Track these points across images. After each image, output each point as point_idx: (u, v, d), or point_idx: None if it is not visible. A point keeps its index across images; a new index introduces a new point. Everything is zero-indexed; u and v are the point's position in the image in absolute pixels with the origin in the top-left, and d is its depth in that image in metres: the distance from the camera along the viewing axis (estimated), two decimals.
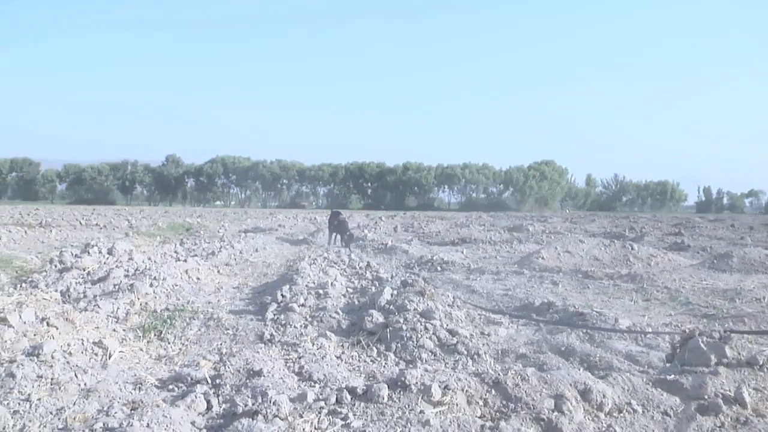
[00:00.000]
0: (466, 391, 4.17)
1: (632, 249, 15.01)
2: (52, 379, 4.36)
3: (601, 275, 11.69)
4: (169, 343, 6.36)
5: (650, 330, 6.73)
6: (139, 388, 4.70)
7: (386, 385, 4.14)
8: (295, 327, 6.90)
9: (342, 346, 6.32)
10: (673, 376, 4.80)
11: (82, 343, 5.36)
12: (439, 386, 4.11)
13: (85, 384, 4.50)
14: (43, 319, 5.56)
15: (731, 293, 9.41)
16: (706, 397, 4.43)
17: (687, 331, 5.60)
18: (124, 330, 6.52)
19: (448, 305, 7.92)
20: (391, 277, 10.34)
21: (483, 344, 6.24)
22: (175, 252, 14.26)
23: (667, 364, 5.39)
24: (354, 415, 3.88)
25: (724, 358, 5.13)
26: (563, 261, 14.15)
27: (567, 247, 15.25)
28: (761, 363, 4.97)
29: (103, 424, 3.59)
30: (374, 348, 6.21)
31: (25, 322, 5.39)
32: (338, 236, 19.02)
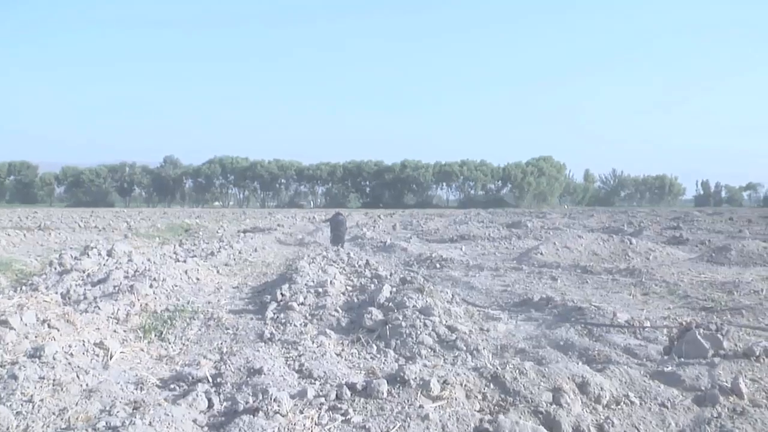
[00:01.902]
0: (465, 385, 4.20)
1: (631, 244, 15.05)
2: (54, 380, 4.38)
3: (599, 270, 11.72)
4: (169, 343, 6.39)
5: (648, 323, 6.75)
6: (141, 387, 4.73)
7: (386, 381, 4.17)
8: (294, 325, 6.93)
9: (342, 343, 6.35)
10: (670, 368, 4.84)
11: (83, 344, 5.39)
12: (438, 381, 4.14)
13: (86, 384, 4.53)
14: (44, 321, 5.59)
15: (729, 286, 9.44)
16: (703, 388, 4.46)
17: (684, 323, 5.64)
18: (124, 331, 6.55)
19: (447, 302, 7.95)
20: (390, 274, 10.36)
21: (482, 340, 6.27)
22: (175, 253, 14.28)
23: (665, 357, 5.43)
24: (354, 410, 3.91)
25: (721, 350, 5.17)
26: (562, 256, 14.18)
27: (566, 242, 15.28)
28: (758, 354, 5.01)
29: (106, 424, 3.61)
30: (374, 345, 6.24)
31: (26, 324, 5.42)
32: (333, 234, 19.18)
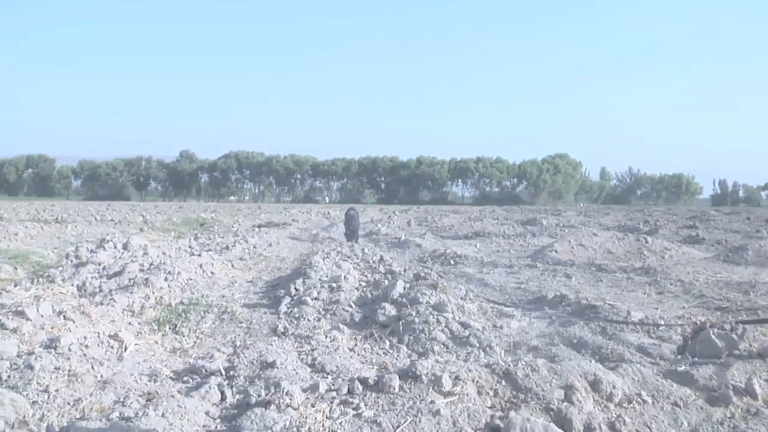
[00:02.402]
0: (477, 381, 4.21)
1: (646, 242, 14.97)
2: (69, 370, 4.43)
3: (614, 268, 11.67)
4: (183, 336, 6.43)
5: (662, 322, 6.72)
6: (155, 379, 4.77)
7: (397, 376, 4.18)
8: (308, 320, 6.95)
9: (355, 338, 6.37)
10: (684, 367, 4.82)
11: (99, 336, 5.44)
12: (450, 377, 4.15)
13: (101, 376, 4.57)
14: (60, 313, 5.64)
15: (746, 286, 9.37)
16: (716, 388, 4.44)
17: (698, 323, 5.62)
18: (139, 323, 6.59)
19: (461, 298, 7.95)
20: (404, 270, 10.36)
21: (495, 337, 6.27)
22: (190, 247, 14.35)
23: (679, 356, 5.40)
24: (365, 404, 3.93)
25: (736, 350, 5.15)
26: (577, 254, 14.13)
27: (581, 240, 15.22)
28: None
29: (119, 414, 3.65)
30: (387, 340, 6.25)
31: (42, 316, 5.48)
32: (345, 232, 19.25)
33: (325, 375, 4.87)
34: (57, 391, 4.09)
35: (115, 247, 12.55)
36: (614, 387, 4.25)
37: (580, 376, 4.33)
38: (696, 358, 5.12)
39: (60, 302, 5.90)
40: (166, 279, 8.91)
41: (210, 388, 4.29)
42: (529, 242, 18.36)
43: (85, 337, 5.25)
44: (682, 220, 30.66)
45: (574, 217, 36.24)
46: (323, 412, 3.81)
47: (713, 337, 5.22)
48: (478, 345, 5.93)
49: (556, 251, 14.27)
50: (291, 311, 7.39)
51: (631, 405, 4.17)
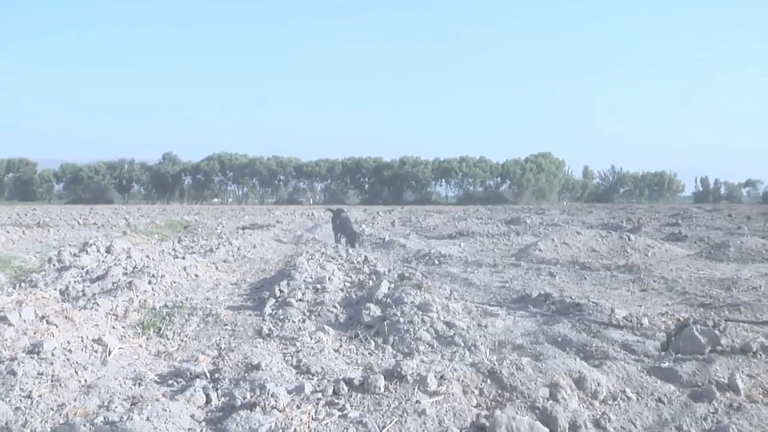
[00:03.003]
0: (462, 380, 4.22)
1: (629, 240, 15.06)
2: (52, 376, 4.40)
3: (598, 266, 11.73)
4: (168, 339, 6.39)
5: (646, 320, 6.76)
6: (139, 383, 4.75)
7: (383, 376, 4.19)
8: (293, 321, 6.94)
9: (340, 339, 6.36)
10: (667, 364, 4.86)
11: (82, 341, 5.40)
12: (435, 376, 4.16)
13: (85, 380, 4.55)
14: (42, 318, 5.60)
15: (728, 282, 9.45)
16: (700, 384, 4.48)
17: (681, 319, 5.66)
18: (123, 327, 6.55)
19: (446, 298, 7.96)
20: (389, 270, 10.37)
21: (480, 336, 6.28)
22: (173, 249, 14.28)
23: (662, 353, 5.44)
24: (351, 405, 3.93)
25: (718, 346, 5.19)
26: (560, 253, 14.20)
27: (564, 238, 15.29)
28: (755, 350, 5.03)
29: (104, 419, 3.63)
30: (372, 341, 6.25)
31: (25, 321, 5.44)
32: (342, 236, 17.84)
33: (311, 376, 4.86)
34: (40, 396, 4.06)
35: (98, 250, 12.47)
36: (599, 384, 4.27)
37: (565, 374, 4.35)
38: (679, 355, 5.16)
39: (43, 307, 5.87)
40: (149, 282, 8.86)
41: (195, 391, 4.27)
42: (513, 241, 18.41)
43: (68, 342, 5.21)
44: (665, 218, 30.88)
45: (558, 215, 36.42)
46: (309, 413, 3.81)
47: (696, 333, 5.26)
48: (463, 344, 5.93)
49: (539, 250, 14.32)
50: (276, 313, 7.37)
51: (616, 402, 4.20)
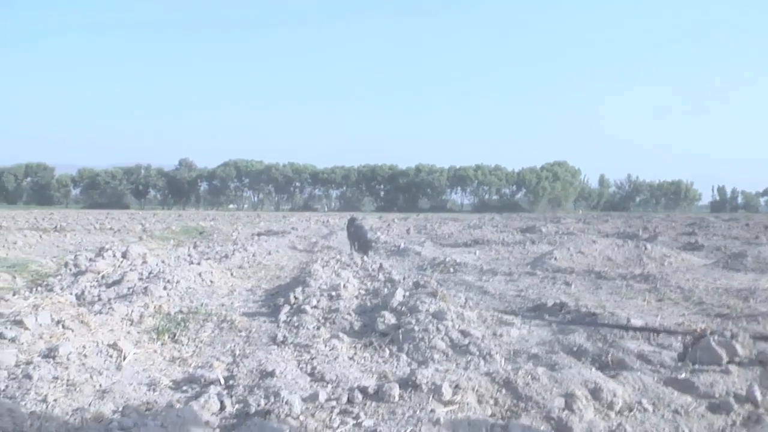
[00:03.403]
0: (477, 390, 4.20)
1: (645, 249, 14.97)
2: (67, 380, 4.41)
3: (614, 275, 11.66)
4: (182, 345, 6.40)
5: (662, 329, 6.70)
6: (154, 389, 4.75)
7: (397, 385, 4.17)
8: (307, 328, 6.93)
9: (354, 347, 6.35)
10: (684, 375, 4.81)
11: (97, 345, 5.42)
12: (450, 386, 4.13)
13: (100, 385, 4.56)
14: (58, 322, 5.62)
15: (745, 293, 9.37)
16: (717, 395, 4.44)
17: (698, 330, 5.61)
18: (138, 332, 6.57)
19: (460, 306, 7.94)
20: (404, 278, 10.35)
21: (495, 345, 6.24)
22: (189, 255, 14.35)
23: (679, 363, 5.39)
24: (365, 414, 3.92)
25: (736, 357, 5.14)
26: (576, 261, 14.13)
27: (580, 247, 15.23)
28: None
29: (118, 424, 3.63)
30: (386, 349, 6.23)
31: (41, 325, 5.46)
32: (356, 243, 17.86)
33: (325, 384, 4.85)
34: (55, 401, 4.07)
35: (114, 255, 12.54)
36: (615, 395, 4.23)
37: (581, 384, 4.31)
38: (696, 366, 5.11)
39: (59, 311, 5.88)
40: (165, 288, 8.89)
41: (209, 397, 4.27)
42: (529, 250, 18.35)
43: (83, 347, 5.23)
44: (681, 227, 30.68)
45: (573, 224, 36.26)
46: (323, 421, 3.80)
47: (713, 344, 5.21)
48: (477, 353, 5.90)
49: (555, 258, 14.26)
50: (290, 320, 7.36)
51: (632, 413, 4.16)
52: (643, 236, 22.94)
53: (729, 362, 5.07)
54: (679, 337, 6.28)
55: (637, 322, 6.97)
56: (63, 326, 5.58)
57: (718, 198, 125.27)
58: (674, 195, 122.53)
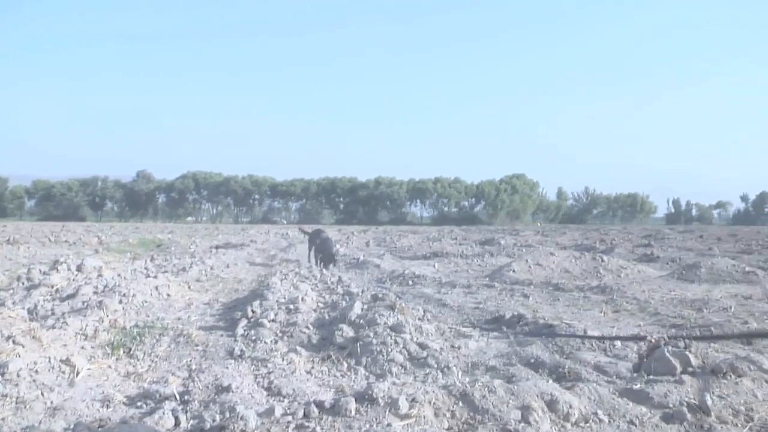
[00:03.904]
0: (434, 403, 4.20)
1: (602, 261, 15.16)
2: (17, 397, 4.32)
3: (571, 287, 11.77)
4: (138, 360, 6.30)
5: (618, 341, 6.78)
6: (107, 405, 4.67)
7: (354, 399, 4.16)
8: (265, 342, 6.88)
9: (312, 360, 6.31)
10: (639, 385, 4.87)
11: (49, 361, 5.31)
12: (407, 399, 4.13)
13: (51, 402, 4.47)
14: (8, 338, 5.51)
15: (699, 303, 9.53)
16: (671, 405, 4.49)
17: (653, 340, 5.68)
18: (92, 347, 6.45)
19: (419, 319, 7.94)
20: (362, 291, 10.34)
21: (453, 357, 6.26)
22: (146, 268, 14.14)
23: (634, 374, 5.46)
24: (321, 428, 3.89)
25: (689, 367, 5.22)
26: (534, 274, 14.25)
27: (538, 259, 15.36)
28: (725, 371, 5.06)
29: None
30: (344, 362, 6.20)
31: None
32: (320, 256, 17.42)
33: (281, 398, 4.81)
34: (3, 419, 3.98)
35: (69, 269, 12.32)
36: (571, 406, 4.27)
37: (537, 396, 4.34)
38: (651, 376, 5.17)
39: (9, 326, 5.77)
40: (120, 301, 8.76)
41: (164, 413, 4.21)
42: (487, 262, 18.46)
43: (35, 363, 5.13)
44: (638, 239, 31.16)
45: (532, 236, 36.60)
46: None
47: (668, 354, 5.28)
48: (436, 366, 5.91)
49: (513, 271, 14.37)
50: (248, 333, 7.30)
51: (588, 424, 4.20)
52: (600, 248, 23.24)
53: (683, 372, 5.14)
54: (635, 348, 6.36)
55: (594, 333, 7.04)
56: (14, 342, 5.47)
57: (673, 210, 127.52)
58: (630, 207, 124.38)
